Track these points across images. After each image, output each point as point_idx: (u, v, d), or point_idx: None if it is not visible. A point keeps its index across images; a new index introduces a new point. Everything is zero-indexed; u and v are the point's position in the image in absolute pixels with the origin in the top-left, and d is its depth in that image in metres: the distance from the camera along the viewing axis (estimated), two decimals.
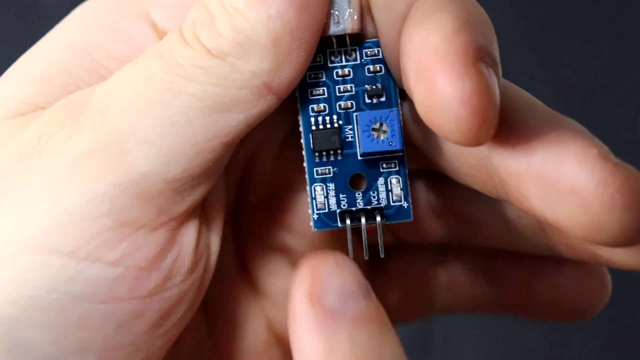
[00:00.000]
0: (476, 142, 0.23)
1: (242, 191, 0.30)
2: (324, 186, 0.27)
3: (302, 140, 0.27)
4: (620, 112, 0.62)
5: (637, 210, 0.23)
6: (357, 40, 0.27)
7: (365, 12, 0.26)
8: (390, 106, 0.27)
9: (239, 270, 0.31)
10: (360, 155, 0.27)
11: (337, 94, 0.27)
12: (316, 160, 0.27)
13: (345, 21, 0.26)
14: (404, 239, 0.32)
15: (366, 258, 0.27)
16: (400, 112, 0.27)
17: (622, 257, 0.26)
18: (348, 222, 0.27)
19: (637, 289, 0.55)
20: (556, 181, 0.23)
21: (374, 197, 0.27)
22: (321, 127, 0.27)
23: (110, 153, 0.25)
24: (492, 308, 0.32)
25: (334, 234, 0.29)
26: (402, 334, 0.27)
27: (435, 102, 0.23)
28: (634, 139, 0.61)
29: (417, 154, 0.28)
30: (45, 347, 0.25)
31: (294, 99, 0.27)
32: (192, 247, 0.26)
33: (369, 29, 0.27)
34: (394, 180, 0.27)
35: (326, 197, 0.27)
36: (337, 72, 0.27)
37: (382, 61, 0.27)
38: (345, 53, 0.27)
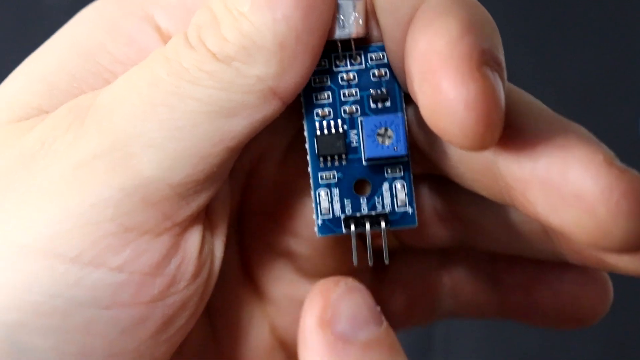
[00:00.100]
0: (481, 146, 0.23)
1: (247, 196, 0.30)
2: (329, 191, 0.27)
3: (307, 145, 0.27)
4: (620, 112, 0.62)
5: None
6: (362, 44, 0.27)
7: (370, 16, 0.26)
8: (395, 111, 0.27)
9: (242, 275, 0.31)
10: (365, 161, 0.27)
11: (342, 99, 0.27)
12: (321, 165, 0.27)
13: (350, 25, 0.26)
14: (409, 244, 0.32)
15: (370, 264, 0.27)
16: (405, 117, 0.27)
17: (627, 263, 0.26)
18: (352, 228, 0.27)
19: (638, 292, 0.55)
20: (561, 186, 0.23)
21: (378, 202, 0.27)
22: (326, 131, 0.27)
23: (115, 156, 0.24)
24: (495, 314, 0.32)
25: (338, 239, 0.29)
26: (403, 336, 0.27)
27: (440, 106, 0.23)
28: (634, 139, 0.61)
29: (422, 158, 0.28)
30: (48, 352, 0.25)
31: (299, 104, 0.27)
32: (196, 252, 0.26)
33: (374, 33, 0.27)
34: (398, 186, 0.27)
35: (330, 202, 0.27)
36: (342, 77, 0.27)
37: (387, 65, 0.27)
38: (350, 57, 0.27)
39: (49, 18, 0.56)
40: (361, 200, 0.27)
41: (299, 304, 0.27)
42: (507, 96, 0.24)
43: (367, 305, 0.26)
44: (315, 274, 0.30)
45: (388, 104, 0.27)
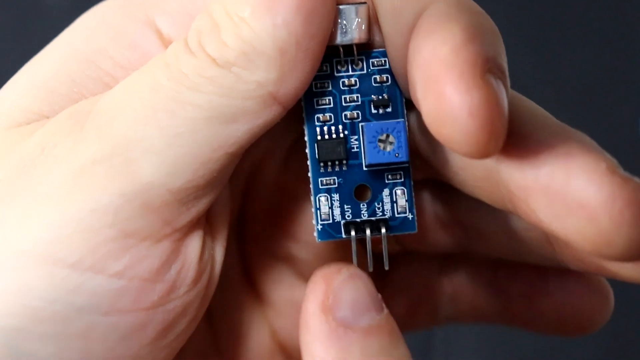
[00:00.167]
0: (484, 154, 0.23)
1: (247, 201, 0.30)
2: (329, 197, 0.27)
3: (307, 150, 0.27)
4: (620, 112, 0.62)
5: None
6: (364, 50, 0.27)
7: (372, 22, 0.26)
8: (397, 117, 0.27)
9: (243, 279, 0.31)
10: (366, 166, 0.27)
11: (343, 104, 0.27)
12: (321, 171, 0.27)
13: (352, 31, 0.26)
14: (410, 249, 0.32)
15: (370, 270, 0.27)
16: (407, 123, 0.27)
17: (629, 270, 0.26)
18: (353, 233, 0.27)
19: (638, 297, 0.55)
20: (564, 195, 0.23)
21: (378, 208, 0.27)
22: (326, 137, 0.27)
23: (115, 162, 0.24)
24: (495, 319, 0.32)
25: (338, 243, 0.29)
26: (403, 336, 0.27)
27: (443, 114, 0.23)
28: (634, 139, 0.61)
29: (424, 164, 0.28)
30: (48, 358, 0.25)
31: (300, 109, 0.27)
32: (197, 258, 0.26)
33: (376, 38, 0.27)
34: (399, 192, 0.27)
35: (331, 207, 0.27)
36: (343, 82, 0.27)
37: (389, 71, 0.27)
38: (352, 63, 0.27)
39: (49, 18, 0.55)
40: (361, 205, 0.27)
41: (299, 308, 0.27)
42: (510, 103, 0.24)
43: (368, 292, 0.26)
44: None
45: (389, 109, 0.27)
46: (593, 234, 0.23)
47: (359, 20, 0.26)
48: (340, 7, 0.26)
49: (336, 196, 0.27)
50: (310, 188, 0.27)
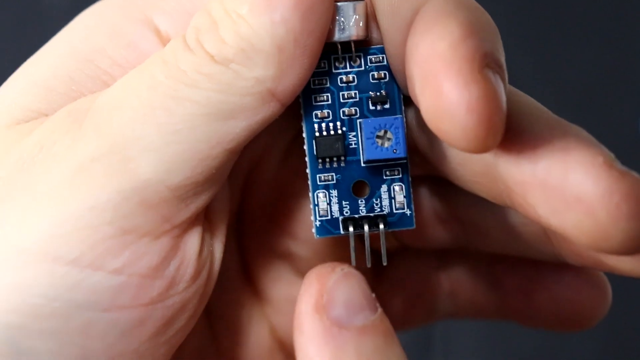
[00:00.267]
0: (482, 149, 0.23)
1: (246, 198, 0.30)
2: (327, 193, 0.27)
3: (306, 147, 0.27)
4: (620, 112, 0.62)
5: None
6: (362, 46, 0.27)
7: (370, 18, 0.26)
8: (395, 113, 0.27)
9: (242, 276, 0.31)
10: (364, 163, 0.27)
11: (341, 101, 0.27)
12: (319, 167, 0.27)
13: (350, 28, 0.26)
14: (408, 244, 0.32)
15: (368, 266, 0.27)
16: (405, 119, 0.27)
17: (627, 264, 0.26)
18: (351, 229, 0.27)
19: (637, 292, 0.55)
20: (562, 189, 0.23)
21: (376, 204, 0.27)
22: (325, 133, 0.27)
23: (113, 160, 0.24)
24: (494, 315, 0.32)
25: (337, 240, 0.29)
26: (402, 336, 0.27)
27: (442, 109, 0.23)
28: (634, 139, 0.61)
29: (422, 160, 0.28)
30: (48, 355, 0.25)
31: (298, 105, 0.27)
32: (196, 254, 0.26)
33: (374, 35, 0.27)
34: (397, 188, 0.27)
35: (329, 204, 0.27)
36: (341, 79, 0.27)
37: (387, 68, 0.27)
38: (350, 59, 0.27)
39: (49, 17, 0.55)
40: (359, 202, 0.27)
41: None
42: (508, 99, 0.24)
43: (362, 292, 0.26)
44: None
45: (387, 106, 0.27)
46: (591, 228, 0.23)
47: (357, 17, 0.26)
48: (338, 4, 0.26)
49: (334, 192, 0.27)
50: (308, 184, 0.27)
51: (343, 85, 0.27)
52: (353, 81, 0.27)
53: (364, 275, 0.30)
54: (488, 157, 0.25)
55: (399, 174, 0.27)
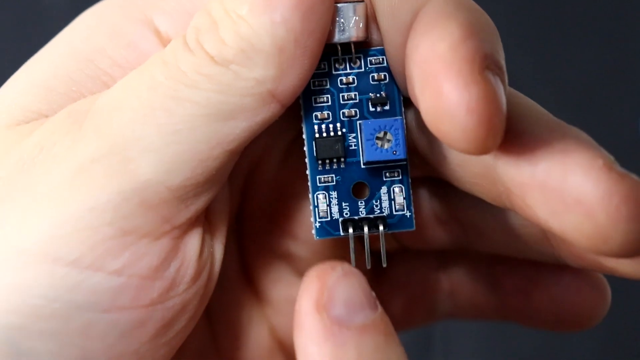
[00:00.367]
0: (482, 150, 0.23)
1: (246, 199, 0.30)
2: (327, 194, 0.27)
3: (305, 148, 0.27)
4: (620, 112, 0.62)
5: None
6: (362, 48, 0.27)
7: (370, 20, 0.26)
8: (395, 115, 0.27)
9: (242, 277, 0.31)
10: (364, 164, 0.27)
11: (341, 102, 0.27)
12: (319, 168, 0.27)
13: (350, 29, 0.26)
14: (407, 246, 0.32)
15: (368, 267, 0.27)
16: (405, 121, 0.27)
17: (626, 266, 0.26)
18: (350, 230, 0.27)
19: (636, 293, 0.55)
20: (561, 191, 0.23)
21: (376, 205, 0.27)
22: (324, 134, 0.27)
23: (113, 161, 0.24)
24: (493, 316, 0.32)
25: (337, 241, 0.29)
26: (402, 335, 0.27)
27: (442, 110, 0.23)
28: (634, 139, 0.61)
29: (422, 161, 0.28)
30: (48, 356, 0.25)
31: (298, 107, 0.27)
32: (196, 255, 0.26)
33: (374, 36, 0.27)
34: (396, 189, 0.27)
35: (329, 205, 0.27)
36: (341, 80, 0.27)
37: (387, 69, 0.27)
38: (350, 61, 0.27)
39: (48, 17, 0.56)
40: (359, 203, 0.27)
41: None
42: (508, 100, 0.24)
43: (362, 290, 0.26)
44: None
45: (387, 107, 0.27)
46: (590, 230, 0.23)
47: (357, 18, 0.26)
48: (339, 5, 0.26)
49: (334, 194, 0.27)
50: (308, 186, 0.27)
51: (343, 86, 0.27)
52: (353, 82, 0.27)
53: (364, 276, 0.30)
54: (488, 159, 0.25)
55: (398, 176, 0.27)
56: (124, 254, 0.25)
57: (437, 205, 0.30)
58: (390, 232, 0.27)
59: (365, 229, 0.27)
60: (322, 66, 0.27)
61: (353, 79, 0.27)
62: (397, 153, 0.26)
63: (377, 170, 0.27)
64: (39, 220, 0.24)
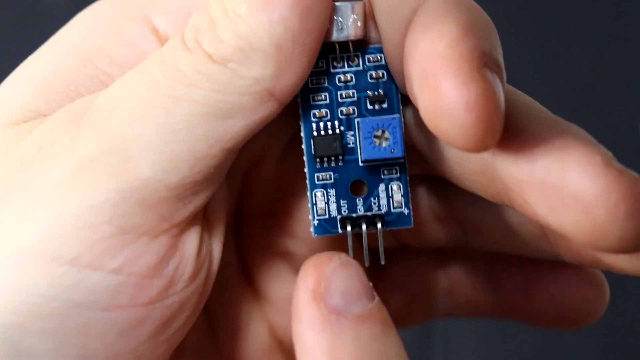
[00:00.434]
0: (481, 147, 0.23)
1: (244, 197, 0.30)
2: (325, 192, 0.27)
3: (304, 146, 0.27)
4: (620, 112, 0.62)
5: None
6: (360, 46, 0.27)
7: (368, 18, 0.26)
8: (393, 113, 0.27)
9: (240, 275, 0.31)
10: (362, 162, 0.27)
11: (339, 100, 0.27)
12: (317, 166, 0.27)
13: (348, 27, 0.26)
14: (406, 243, 0.32)
15: (367, 265, 0.27)
16: (403, 119, 0.27)
17: (625, 263, 0.26)
18: (349, 228, 0.27)
19: (635, 291, 0.55)
20: (560, 188, 0.23)
21: (374, 203, 0.27)
22: (323, 133, 0.27)
23: (112, 160, 0.24)
24: (492, 313, 0.32)
25: (335, 239, 0.29)
26: (402, 334, 0.27)
27: (440, 108, 0.23)
28: (634, 139, 0.61)
29: (420, 159, 0.28)
30: (47, 354, 0.25)
31: (296, 105, 0.27)
32: (194, 253, 0.26)
33: (372, 35, 0.27)
34: (394, 187, 0.27)
35: (327, 203, 0.27)
36: (339, 78, 0.27)
37: (385, 67, 0.27)
38: (348, 59, 0.27)
39: (48, 17, 0.56)
40: (357, 201, 0.27)
41: None
42: (506, 98, 0.24)
43: (360, 280, 0.26)
44: None
45: (385, 105, 0.27)
46: (589, 227, 0.23)
47: (355, 16, 0.26)
48: (336, 3, 0.26)
49: (332, 191, 0.27)
50: (306, 184, 0.27)
51: (341, 84, 0.27)
52: (351, 81, 0.27)
53: None
54: (486, 156, 0.25)
55: (396, 174, 0.27)
56: (123, 253, 0.25)
57: (436, 202, 0.30)
58: (388, 229, 0.27)
59: (364, 226, 0.27)
60: (320, 64, 0.27)
61: (351, 77, 0.27)
62: (395, 151, 0.26)
63: (375, 168, 0.27)
64: (38, 219, 0.24)
